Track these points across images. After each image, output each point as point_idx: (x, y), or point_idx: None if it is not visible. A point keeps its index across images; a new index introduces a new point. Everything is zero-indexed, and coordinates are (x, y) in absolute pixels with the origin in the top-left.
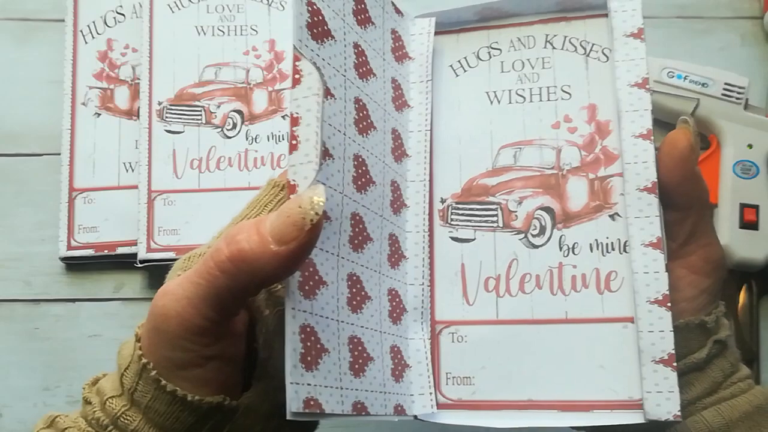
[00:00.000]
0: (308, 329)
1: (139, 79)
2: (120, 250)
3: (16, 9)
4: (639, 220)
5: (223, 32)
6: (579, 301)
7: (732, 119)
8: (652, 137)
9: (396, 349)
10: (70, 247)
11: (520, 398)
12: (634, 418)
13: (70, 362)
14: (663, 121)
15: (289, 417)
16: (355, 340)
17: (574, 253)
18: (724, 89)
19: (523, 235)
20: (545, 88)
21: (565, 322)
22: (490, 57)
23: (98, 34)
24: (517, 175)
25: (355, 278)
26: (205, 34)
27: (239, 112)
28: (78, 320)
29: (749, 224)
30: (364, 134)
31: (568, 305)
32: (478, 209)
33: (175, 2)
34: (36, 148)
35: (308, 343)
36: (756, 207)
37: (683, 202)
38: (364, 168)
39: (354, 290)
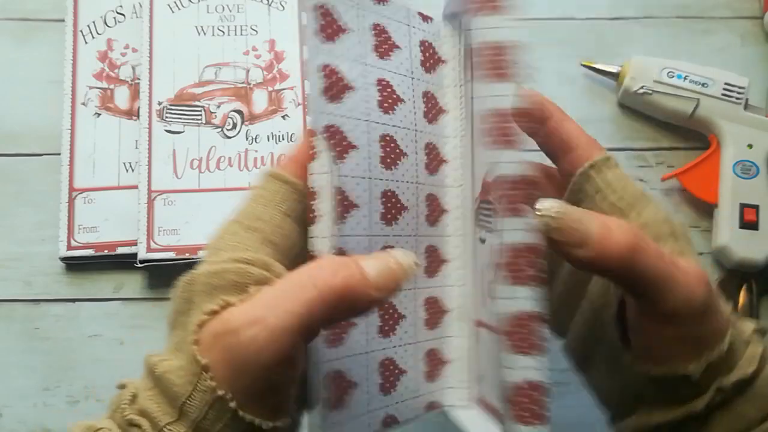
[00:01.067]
0: (333, 374)
1: (139, 79)
2: (120, 250)
3: (16, 9)
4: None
5: (223, 32)
6: None
7: (732, 119)
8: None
9: (433, 352)
10: (70, 247)
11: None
12: None
13: (70, 362)
14: (663, 122)
15: None
16: (386, 362)
17: None
18: (724, 89)
19: None
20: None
21: None
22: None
23: (98, 34)
24: None
25: (386, 306)
26: (205, 34)
27: (239, 112)
28: (78, 320)
29: (749, 224)
30: (393, 167)
31: None
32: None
33: (175, 2)
34: (36, 148)
35: (334, 387)
36: (756, 207)
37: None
38: (393, 200)
39: (386, 316)
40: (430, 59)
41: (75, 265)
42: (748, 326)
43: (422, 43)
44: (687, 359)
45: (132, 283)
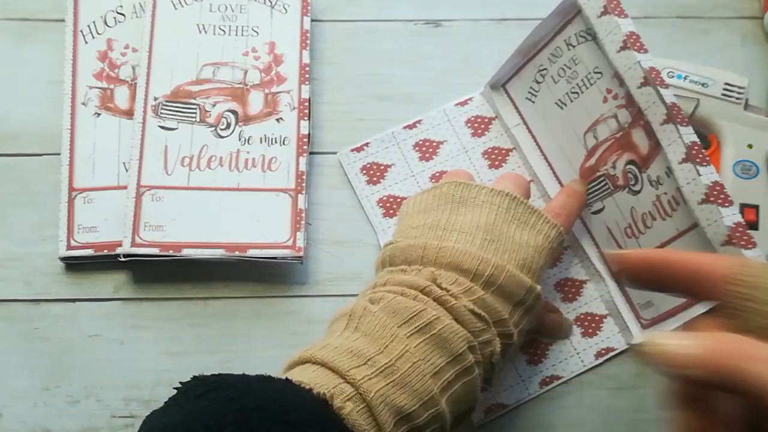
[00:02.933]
0: None
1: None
2: (120, 250)
3: (16, 9)
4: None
5: (224, 32)
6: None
7: (732, 119)
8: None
9: (583, 317)
10: (69, 247)
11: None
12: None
13: (70, 362)
14: None
15: None
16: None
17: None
18: (724, 89)
19: None
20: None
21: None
22: None
23: (98, 34)
24: None
25: None
26: (206, 32)
27: (234, 112)
28: (78, 320)
29: (749, 224)
30: None
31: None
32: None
33: None
34: (36, 148)
35: None
36: (756, 207)
37: None
38: None
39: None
40: (480, 127)
41: (75, 265)
42: None
43: (467, 121)
44: None
45: (132, 283)
